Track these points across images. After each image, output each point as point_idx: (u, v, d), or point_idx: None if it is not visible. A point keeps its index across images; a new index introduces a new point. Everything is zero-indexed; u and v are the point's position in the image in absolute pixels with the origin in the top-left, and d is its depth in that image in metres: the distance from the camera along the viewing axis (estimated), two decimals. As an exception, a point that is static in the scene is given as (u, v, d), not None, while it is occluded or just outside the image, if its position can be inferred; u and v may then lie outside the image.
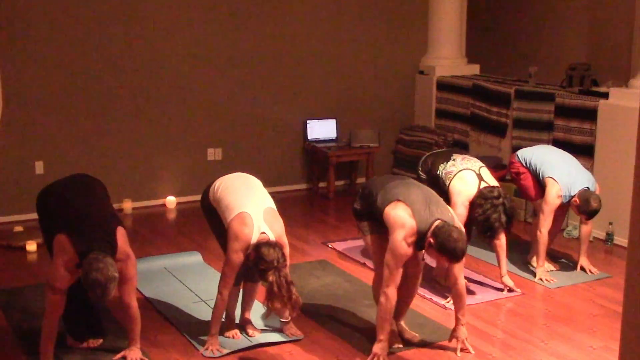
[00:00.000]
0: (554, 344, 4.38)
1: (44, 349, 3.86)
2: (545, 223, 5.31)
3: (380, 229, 4.12)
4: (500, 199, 4.62)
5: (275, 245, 3.92)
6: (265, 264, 3.84)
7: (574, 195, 5.27)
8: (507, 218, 4.65)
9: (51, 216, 3.96)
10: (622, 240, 6.00)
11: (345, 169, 7.93)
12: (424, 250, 3.98)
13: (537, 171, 5.43)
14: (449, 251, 3.82)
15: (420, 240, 3.92)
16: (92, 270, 3.57)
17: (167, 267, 5.50)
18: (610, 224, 6.08)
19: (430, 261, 5.28)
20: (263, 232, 3.97)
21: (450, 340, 4.26)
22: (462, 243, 3.85)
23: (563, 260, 5.77)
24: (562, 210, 5.54)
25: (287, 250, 4.03)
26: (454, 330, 4.23)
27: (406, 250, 3.90)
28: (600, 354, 4.27)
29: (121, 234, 3.87)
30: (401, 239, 3.88)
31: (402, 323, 4.40)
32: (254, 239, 3.95)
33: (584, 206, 5.22)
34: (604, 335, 4.49)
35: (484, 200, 4.62)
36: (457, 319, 4.21)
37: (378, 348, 4.06)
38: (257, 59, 7.41)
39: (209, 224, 4.40)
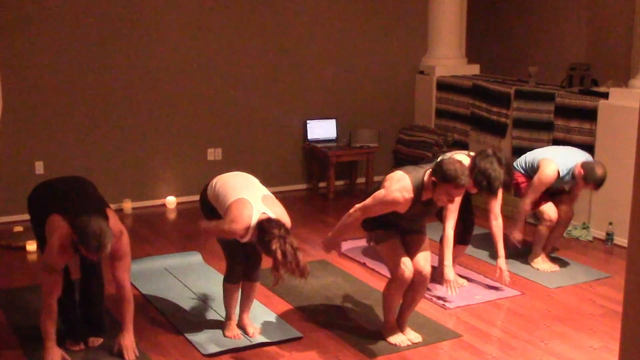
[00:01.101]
0: (554, 344, 4.38)
1: (45, 328, 3.83)
2: (532, 195, 5.35)
3: (395, 231, 4.16)
4: (492, 152, 4.65)
5: (278, 220, 3.91)
6: (269, 235, 3.81)
7: (574, 168, 5.25)
8: (504, 170, 4.63)
9: (42, 204, 3.99)
10: (622, 240, 6.00)
11: (345, 169, 7.93)
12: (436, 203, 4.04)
13: (534, 165, 5.43)
14: (451, 174, 3.85)
15: (418, 197, 3.96)
16: (85, 222, 3.61)
17: (167, 267, 5.50)
18: (610, 224, 6.08)
19: (432, 261, 5.28)
20: (263, 213, 3.96)
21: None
22: (459, 163, 3.92)
23: (563, 259, 5.76)
24: (571, 196, 5.53)
25: (289, 226, 4.00)
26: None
27: (397, 198, 3.94)
28: (600, 354, 4.27)
29: (111, 213, 3.92)
30: (397, 189, 3.95)
31: (404, 325, 4.41)
32: (254, 221, 3.92)
33: (590, 175, 5.14)
34: (604, 335, 4.49)
35: (477, 158, 4.62)
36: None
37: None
38: (257, 59, 7.41)
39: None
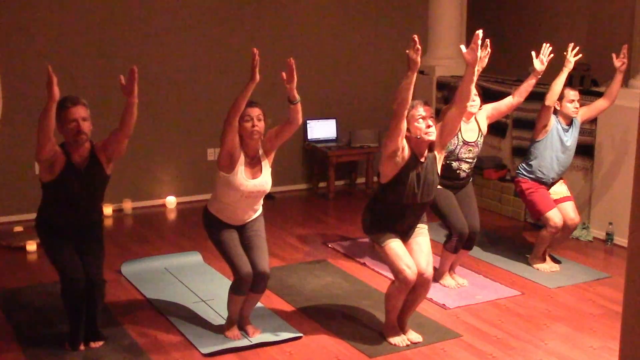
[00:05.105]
0: (554, 344, 4.38)
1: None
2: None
3: (397, 233, 4.17)
4: None
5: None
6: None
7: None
8: None
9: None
10: (622, 240, 6.00)
11: (345, 169, 7.93)
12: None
13: (530, 150, 5.50)
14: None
15: (411, 150, 4.11)
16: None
17: (167, 267, 5.50)
18: (610, 224, 6.08)
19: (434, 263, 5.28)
20: None
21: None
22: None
23: (563, 260, 5.76)
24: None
25: None
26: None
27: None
28: (600, 354, 4.27)
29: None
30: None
31: (405, 325, 4.41)
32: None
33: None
34: (604, 335, 4.49)
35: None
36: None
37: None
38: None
39: (216, 246, 4.37)
